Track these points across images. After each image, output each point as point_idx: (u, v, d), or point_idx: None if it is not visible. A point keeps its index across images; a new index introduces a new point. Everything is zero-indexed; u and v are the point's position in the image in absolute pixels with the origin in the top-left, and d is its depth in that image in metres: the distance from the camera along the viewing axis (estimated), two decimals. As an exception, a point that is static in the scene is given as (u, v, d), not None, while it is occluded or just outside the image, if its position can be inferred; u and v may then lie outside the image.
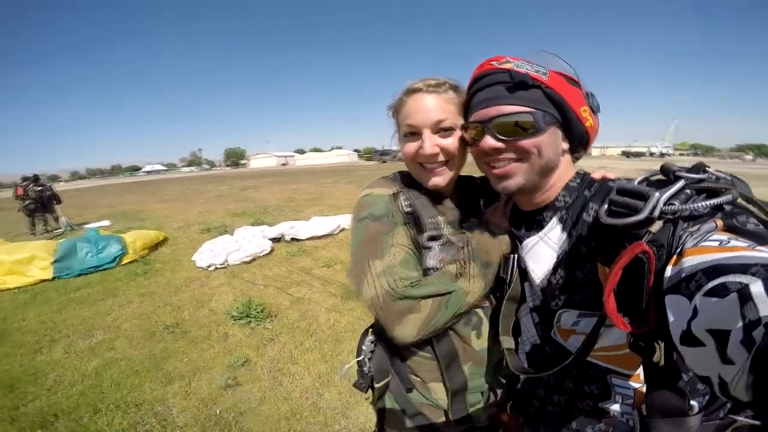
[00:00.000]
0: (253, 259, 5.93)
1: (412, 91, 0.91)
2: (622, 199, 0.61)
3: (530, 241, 0.82)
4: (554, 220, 0.80)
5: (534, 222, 0.84)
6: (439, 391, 1.01)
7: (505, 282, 0.90)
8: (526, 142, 0.75)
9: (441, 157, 0.91)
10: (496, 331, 0.93)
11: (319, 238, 6.88)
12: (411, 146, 0.92)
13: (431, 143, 0.89)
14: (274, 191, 16.93)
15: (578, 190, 0.80)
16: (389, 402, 1.08)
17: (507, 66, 0.75)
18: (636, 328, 0.58)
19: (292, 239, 6.88)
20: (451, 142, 0.90)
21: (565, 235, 0.77)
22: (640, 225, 0.57)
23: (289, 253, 6.10)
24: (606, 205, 0.65)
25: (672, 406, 0.62)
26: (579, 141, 0.80)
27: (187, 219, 10.36)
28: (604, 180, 0.79)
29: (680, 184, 0.58)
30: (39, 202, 10.04)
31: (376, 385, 1.07)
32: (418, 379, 1.03)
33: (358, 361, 1.10)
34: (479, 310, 0.97)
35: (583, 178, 0.82)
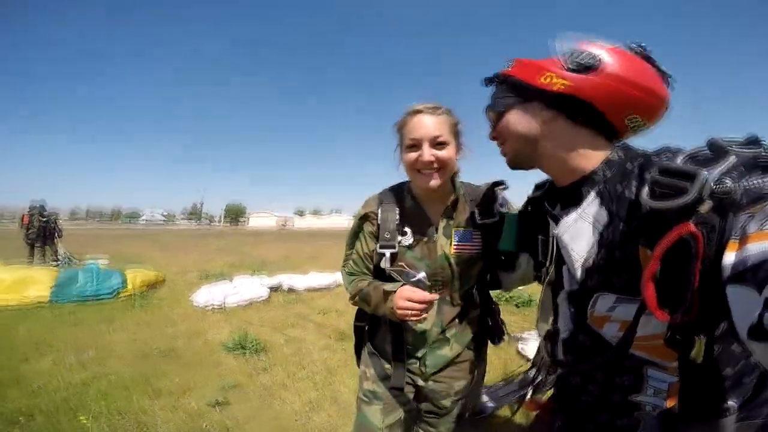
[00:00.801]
0: (250, 304, 5.96)
1: (415, 112, 1.14)
2: (665, 180, 0.57)
3: (569, 218, 0.77)
4: (592, 194, 0.75)
5: (572, 198, 0.79)
6: (389, 351, 1.29)
7: (544, 266, 0.91)
8: (498, 127, 0.88)
9: (435, 165, 1.12)
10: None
11: (315, 290, 6.97)
12: (412, 155, 1.13)
13: (429, 153, 1.11)
14: (273, 248, 17.11)
15: (619, 163, 0.74)
16: (366, 346, 1.40)
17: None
18: (676, 319, 0.54)
19: (289, 289, 6.96)
20: (445, 153, 1.12)
21: (604, 211, 0.72)
22: (687, 208, 0.53)
23: (286, 301, 6.16)
24: (647, 186, 0.60)
25: (707, 407, 0.59)
26: (566, 107, 0.76)
27: (186, 266, 10.42)
28: (648, 154, 0.72)
29: (731, 160, 0.53)
30: (41, 233, 10.22)
31: (355, 323, 1.43)
32: (383, 331, 1.32)
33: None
34: None
35: (627, 151, 0.76)
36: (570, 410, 0.85)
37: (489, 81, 0.89)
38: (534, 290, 6.43)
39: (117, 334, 4.33)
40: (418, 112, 1.14)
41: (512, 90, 0.83)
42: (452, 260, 1.20)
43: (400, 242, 1.21)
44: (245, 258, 12.62)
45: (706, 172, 0.52)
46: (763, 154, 0.53)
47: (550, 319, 0.93)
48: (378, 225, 1.23)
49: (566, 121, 0.78)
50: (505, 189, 1.23)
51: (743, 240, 0.47)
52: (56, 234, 10.61)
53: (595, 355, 0.75)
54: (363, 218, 1.29)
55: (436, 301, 1.15)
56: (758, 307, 0.43)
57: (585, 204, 0.75)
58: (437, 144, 1.12)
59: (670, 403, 0.66)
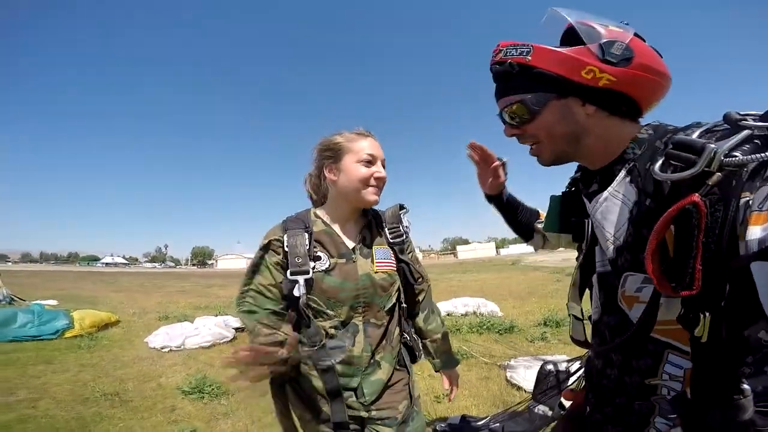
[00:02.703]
0: (213, 345, 5.49)
1: (366, 135, 1.22)
2: (676, 153, 0.57)
3: (601, 197, 0.76)
4: (622, 173, 0.73)
5: (605, 177, 0.78)
6: (317, 382, 1.15)
7: (581, 248, 0.89)
8: (530, 128, 0.79)
9: (382, 182, 1.22)
10: None
11: (285, 332, 6.54)
12: (367, 170, 1.18)
13: (383, 170, 1.21)
14: (242, 292, 16.31)
15: (649, 141, 0.73)
16: (289, 388, 1.19)
17: (496, 58, 0.79)
18: (677, 292, 0.53)
19: (258, 330, 6.50)
20: (386, 175, 1.23)
21: (633, 189, 0.70)
22: (697, 180, 0.53)
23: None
24: (661, 159, 0.61)
25: (721, 391, 0.56)
26: (608, 101, 0.73)
27: (144, 307, 9.71)
28: (678, 130, 0.70)
29: (744, 134, 0.52)
30: None
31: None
32: (304, 368, 1.17)
33: None
34: (359, 322, 1.18)
35: (657, 129, 0.75)
36: (595, 392, 0.84)
37: (503, 74, 0.79)
38: (516, 316, 6.37)
39: (55, 375, 3.83)
40: (368, 135, 1.23)
41: (543, 84, 0.75)
42: (376, 279, 1.21)
43: (314, 268, 1.15)
44: (211, 299, 11.90)
45: (713, 145, 0.52)
46: None
47: (580, 300, 0.91)
48: (285, 252, 1.15)
49: (604, 114, 0.75)
50: (407, 212, 1.35)
51: None
52: None
53: (620, 337, 0.72)
54: (265, 248, 1.19)
55: (361, 325, 1.17)
56: None
57: (615, 182, 0.74)
58: (382, 164, 1.23)
59: (686, 388, 0.63)
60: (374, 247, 1.25)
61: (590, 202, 0.80)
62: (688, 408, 0.61)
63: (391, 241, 1.28)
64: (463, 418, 2.58)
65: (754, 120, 0.54)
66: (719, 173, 0.51)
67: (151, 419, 2.87)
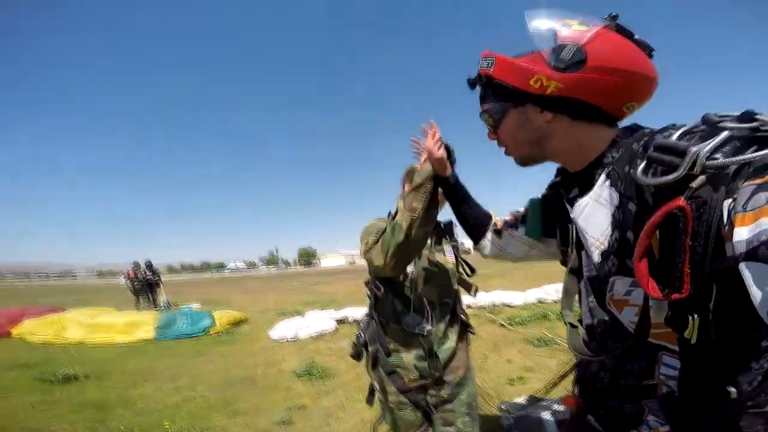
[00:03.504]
0: (320, 336, 6.35)
1: None
2: (658, 156, 0.56)
3: (582, 202, 0.74)
4: (603, 176, 0.72)
5: (586, 182, 0.77)
6: (406, 356, 1.47)
7: (567, 254, 0.89)
8: (499, 134, 0.84)
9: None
10: None
11: (380, 321, 7.19)
12: None
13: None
14: (343, 285, 17.74)
15: (626, 144, 0.71)
16: (381, 368, 1.52)
17: (477, 68, 0.83)
18: (667, 295, 0.53)
19: (354, 321, 7.25)
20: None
21: (614, 193, 0.69)
22: (680, 183, 0.53)
23: (352, 332, 6.43)
24: (643, 163, 0.60)
25: (709, 391, 0.57)
26: (563, 107, 0.73)
27: (266, 305, 11.29)
28: (654, 132, 0.68)
29: (724, 135, 0.52)
30: (144, 284, 11.93)
31: (370, 348, 1.54)
32: (392, 346, 1.51)
33: (356, 335, 1.64)
34: (436, 299, 1.48)
35: (634, 131, 0.73)
36: (588, 396, 0.85)
37: (473, 84, 0.85)
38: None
39: (206, 364, 4.93)
40: None
41: (502, 94, 0.79)
42: (449, 267, 1.58)
43: None
44: (317, 296, 13.29)
45: (695, 148, 0.51)
46: (762, 128, 0.51)
47: (574, 306, 0.92)
48: None
49: (566, 119, 0.75)
50: (455, 226, 1.68)
51: (757, 213, 0.45)
52: (158, 285, 12.26)
53: (612, 341, 0.74)
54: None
55: (437, 303, 1.48)
56: None
57: (596, 187, 0.73)
58: None
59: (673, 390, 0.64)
60: (446, 246, 1.63)
61: (572, 208, 0.79)
62: (675, 407, 0.62)
63: (451, 244, 1.67)
64: (530, 398, 2.77)
65: (731, 121, 0.54)
66: (702, 176, 0.51)
67: (273, 396, 3.63)
